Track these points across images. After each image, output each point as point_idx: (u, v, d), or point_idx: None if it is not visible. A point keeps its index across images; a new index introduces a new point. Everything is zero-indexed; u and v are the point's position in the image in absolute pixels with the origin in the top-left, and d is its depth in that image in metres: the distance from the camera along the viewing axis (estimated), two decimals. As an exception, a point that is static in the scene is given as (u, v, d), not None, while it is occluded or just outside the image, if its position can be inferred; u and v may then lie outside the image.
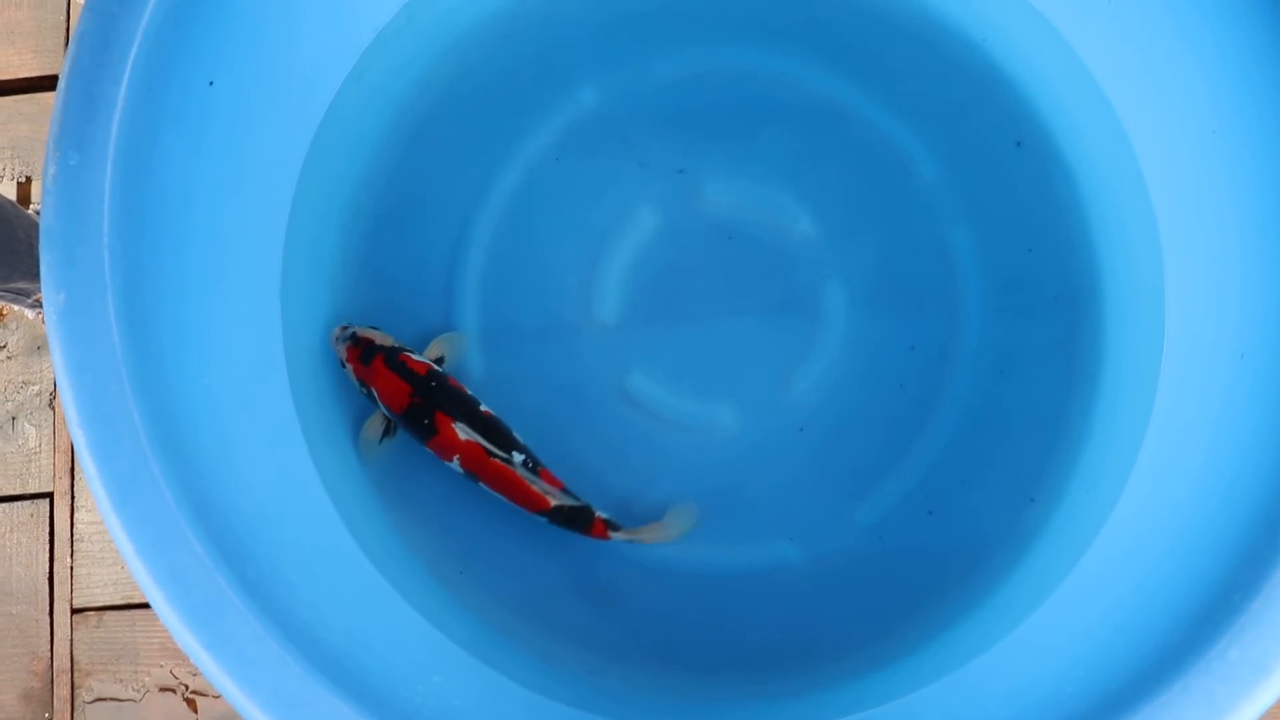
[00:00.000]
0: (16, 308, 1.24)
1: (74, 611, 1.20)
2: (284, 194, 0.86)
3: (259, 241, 0.83)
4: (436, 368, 0.88)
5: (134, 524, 0.62)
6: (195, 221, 0.74)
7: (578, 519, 0.85)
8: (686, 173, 0.97)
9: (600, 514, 0.86)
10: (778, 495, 0.94)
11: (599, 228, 0.97)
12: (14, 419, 1.25)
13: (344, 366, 0.87)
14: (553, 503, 0.85)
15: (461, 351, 0.93)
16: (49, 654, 1.20)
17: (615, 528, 0.86)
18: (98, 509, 0.63)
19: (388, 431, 0.88)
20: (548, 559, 0.91)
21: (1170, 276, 0.87)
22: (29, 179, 1.30)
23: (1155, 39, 0.84)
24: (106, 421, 0.63)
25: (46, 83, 1.31)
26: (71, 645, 1.20)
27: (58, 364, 0.64)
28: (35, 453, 1.24)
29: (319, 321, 0.89)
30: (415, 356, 0.87)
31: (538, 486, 0.85)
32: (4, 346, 1.26)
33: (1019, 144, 0.96)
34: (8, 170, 1.30)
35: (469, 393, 0.88)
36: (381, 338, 0.88)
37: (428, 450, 0.87)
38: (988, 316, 0.94)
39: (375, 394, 0.86)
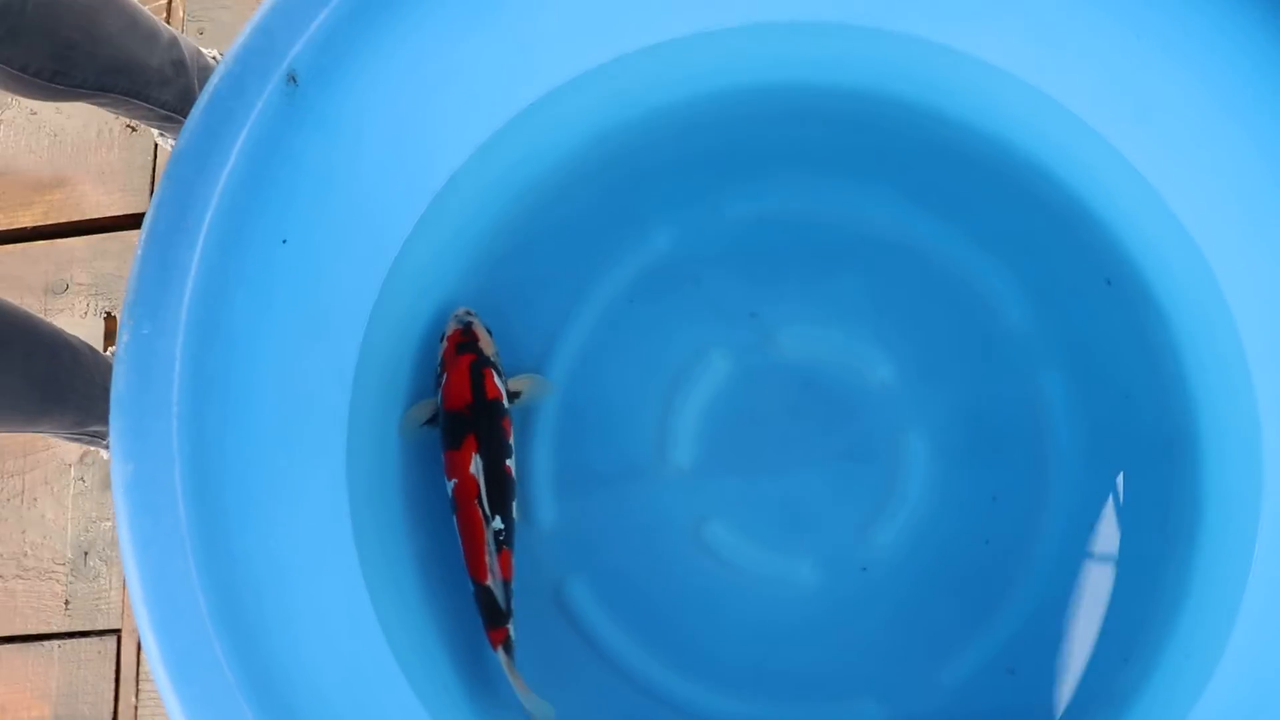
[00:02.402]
0: (93, 448, 1.25)
1: (138, 753, 1.19)
2: (353, 342, 0.85)
3: (327, 393, 0.82)
4: (505, 402, 0.87)
5: (194, 706, 0.61)
6: (263, 379, 0.74)
7: (492, 614, 0.81)
8: (759, 316, 0.95)
9: (511, 629, 0.81)
10: (859, 652, 0.90)
11: (672, 372, 0.95)
12: (85, 554, 1.25)
13: (440, 341, 0.89)
14: (488, 581, 0.81)
15: (538, 397, 0.92)
16: (112, 797, 1.18)
17: (508, 650, 0.81)
18: (156, 686, 0.62)
19: (432, 420, 0.88)
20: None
21: (1267, 425, 0.83)
22: (110, 314, 1.32)
23: (1246, 184, 0.81)
24: (169, 599, 0.62)
25: (132, 221, 1.35)
26: (134, 788, 1.18)
27: (123, 538, 0.63)
28: (106, 589, 1.24)
29: (387, 474, 0.88)
30: (498, 380, 0.87)
31: (489, 559, 0.82)
32: (81, 479, 1.27)
33: (1109, 282, 0.93)
34: (91, 307, 1.32)
35: (509, 441, 0.86)
36: (487, 344, 0.88)
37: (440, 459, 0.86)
38: (1079, 467, 0.90)
39: (442, 380, 0.87)
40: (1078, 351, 0.92)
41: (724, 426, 0.94)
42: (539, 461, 0.93)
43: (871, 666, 0.89)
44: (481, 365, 0.87)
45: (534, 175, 0.98)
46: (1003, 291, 0.94)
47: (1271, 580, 0.80)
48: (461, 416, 0.85)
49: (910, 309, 0.95)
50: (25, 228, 1.37)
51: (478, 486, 0.83)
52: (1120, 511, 0.90)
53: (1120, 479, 0.90)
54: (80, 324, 1.31)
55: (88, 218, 1.36)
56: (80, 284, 1.33)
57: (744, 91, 0.95)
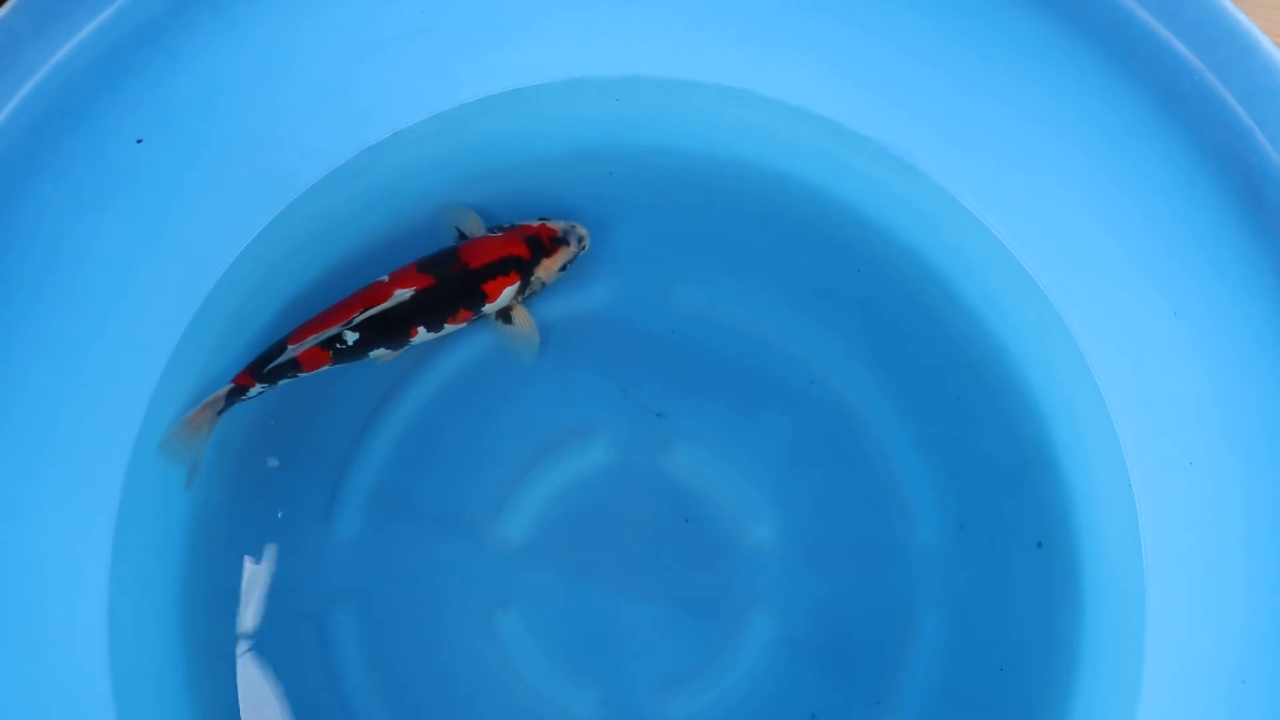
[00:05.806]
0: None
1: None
2: (205, 281, 0.74)
3: (143, 337, 0.71)
4: (488, 309, 0.81)
5: None
6: (54, 300, 0.63)
7: (259, 365, 0.78)
8: (665, 420, 0.83)
9: (253, 392, 0.78)
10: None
11: (549, 435, 0.83)
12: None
13: (536, 218, 0.83)
14: (290, 346, 0.78)
15: (515, 346, 0.84)
16: None
17: (231, 399, 0.78)
18: None
19: (461, 237, 0.82)
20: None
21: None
22: None
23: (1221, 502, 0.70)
24: None
25: None
26: None
27: None
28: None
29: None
30: (508, 293, 0.81)
31: (312, 340, 0.77)
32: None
33: (1040, 545, 0.81)
34: None
35: (447, 325, 0.80)
36: (548, 271, 0.82)
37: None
38: (919, 729, 0.79)
39: (494, 231, 0.82)
40: (973, 604, 0.80)
41: (573, 518, 0.82)
42: (363, 467, 0.82)
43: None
44: (514, 268, 0.80)
45: (498, 162, 0.86)
46: (925, 506, 0.82)
47: None
48: (453, 266, 0.79)
49: (826, 484, 0.83)
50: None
51: (382, 301, 0.77)
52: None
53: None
54: None
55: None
56: None
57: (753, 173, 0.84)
